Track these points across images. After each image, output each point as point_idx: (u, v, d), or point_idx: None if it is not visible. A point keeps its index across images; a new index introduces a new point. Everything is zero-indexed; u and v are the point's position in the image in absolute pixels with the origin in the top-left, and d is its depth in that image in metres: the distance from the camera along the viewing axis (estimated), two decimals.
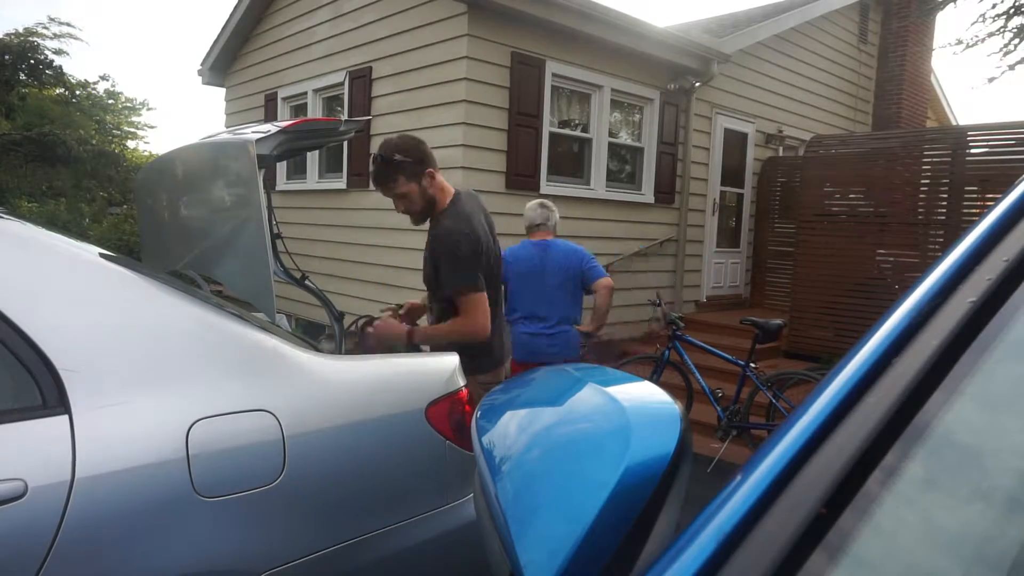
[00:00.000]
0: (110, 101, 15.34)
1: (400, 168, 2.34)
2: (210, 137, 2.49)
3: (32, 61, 10.59)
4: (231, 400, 1.50)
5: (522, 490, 0.61)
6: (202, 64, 8.98)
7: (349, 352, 2.52)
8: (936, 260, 0.54)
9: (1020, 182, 0.57)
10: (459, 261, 2.31)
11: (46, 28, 10.99)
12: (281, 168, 7.81)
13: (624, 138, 6.79)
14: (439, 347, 2.34)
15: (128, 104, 15.93)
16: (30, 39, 10.57)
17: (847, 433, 0.44)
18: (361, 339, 2.64)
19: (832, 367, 0.51)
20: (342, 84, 6.68)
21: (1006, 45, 6.83)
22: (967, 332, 0.47)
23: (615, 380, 0.75)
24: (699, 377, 4.69)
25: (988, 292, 0.48)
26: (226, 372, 1.55)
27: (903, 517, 0.40)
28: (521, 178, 5.75)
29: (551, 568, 0.53)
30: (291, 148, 2.29)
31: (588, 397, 0.70)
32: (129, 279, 1.56)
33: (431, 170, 2.39)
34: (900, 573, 0.38)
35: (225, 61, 8.80)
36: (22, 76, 10.96)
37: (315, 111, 7.21)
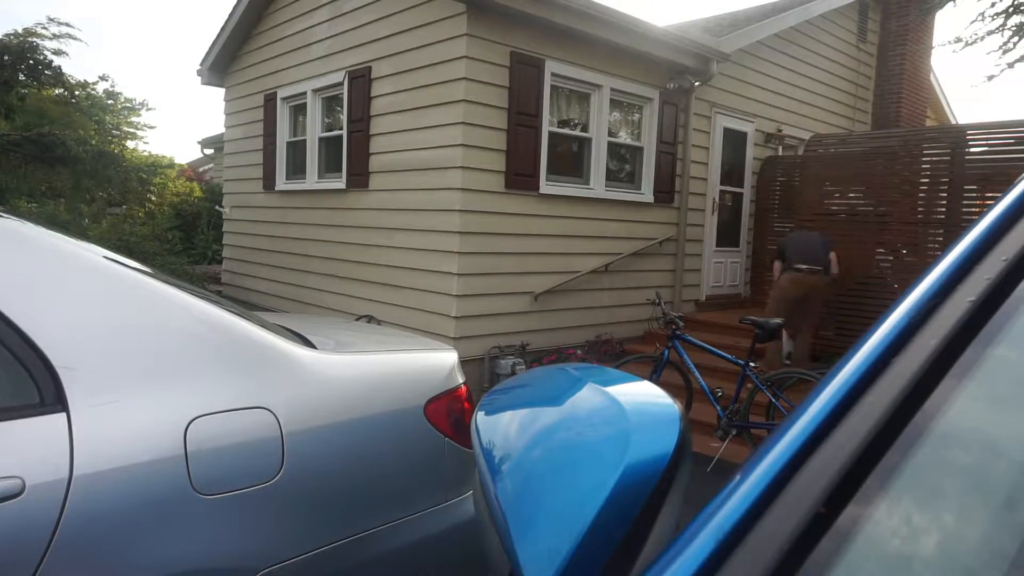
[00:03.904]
0: (109, 101, 15.32)
1: None
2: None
3: (31, 61, 10.58)
4: (229, 397, 1.50)
5: (522, 489, 0.61)
6: (201, 64, 8.98)
7: None
8: (935, 259, 0.54)
9: (1019, 181, 0.57)
10: None
11: (45, 28, 10.97)
12: (281, 168, 7.81)
13: (623, 137, 6.79)
14: None
15: (127, 104, 15.91)
16: (29, 39, 10.55)
17: (846, 432, 0.44)
18: None
19: (832, 366, 0.51)
20: (341, 84, 6.68)
21: (1005, 43, 6.84)
22: (966, 331, 0.47)
23: (615, 380, 0.75)
24: (699, 376, 4.68)
25: (987, 291, 0.48)
26: (224, 369, 1.55)
27: (902, 516, 0.40)
28: (520, 178, 5.75)
29: (551, 567, 0.53)
30: None
31: (588, 397, 0.70)
32: (128, 277, 1.55)
33: None
34: (899, 572, 0.38)
35: (224, 61, 8.79)
36: (21, 76, 10.96)
37: (314, 111, 7.21)
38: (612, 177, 6.61)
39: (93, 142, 11.09)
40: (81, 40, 12.37)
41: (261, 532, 1.50)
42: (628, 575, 0.55)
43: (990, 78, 7.12)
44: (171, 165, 15.74)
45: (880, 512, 0.40)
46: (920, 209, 5.78)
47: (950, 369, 0.45)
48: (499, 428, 0.72)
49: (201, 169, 18.00)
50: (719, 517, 0.43)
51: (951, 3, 7.31)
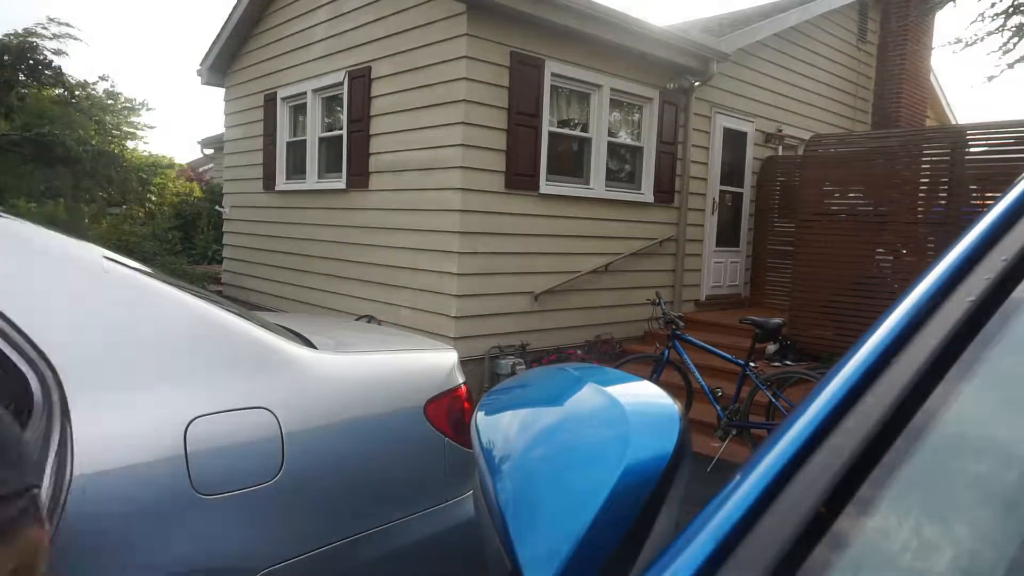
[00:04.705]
0: (109, 101, 15.30)
1: None
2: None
3: (31, 61, 10.58)
4: (229, 398, 1.50)
5: (522, 489, 0.61)
6: (201, 64, 8.98)
7: None
8: (935, 259, 0.54)
9: (1019, 181, 0.57)
10: None
11: (45, 28, 10.98)
12: (281, 168, 7.81)
13: (623, 137, 6.79)
14: None
15: (127, 104, 15.89)
16: (29, 39, 10.55)
17: (846, 432, 0.44)
18: None
19: (832, 366, 0.51)
20: (341, 84, 6.68)
21: (1005, 43, 6.83)
22: (966, 331, 0.47)
23: (615, 380, 0.75)
24: (699, 376, 4.69)
25: (987, 291, 0.48)
26: (225, 370, 1.55)
27: (902, 516, 0.40)
28: (521, 178, 5.75)
29: (550, 567, 0.53)
30: None
31: (588, 397, 0.70)
32: (128, 278, 1.55)
33: None
34: (899, 572, 0.38)
35: (224, 61, 8.79)
36: (21, 76, 10.96)
37: (315, 111, 7.21)
38: (612, 177, 6.61)
39: (93, 142, 11.08)
40: (81, 40, 12.35)
41: (261, 532, 1.50)
42: (628, 575, 0.55)
43: (990, 78, 7.13)
44: (171, 165, 15.74)
45: (880, 512, 0.40)
46: (920, 209, 5.78)
47: (950, 369, 0.45)
48: (499, 428, 0.72)
49: (201, 169, 18.00)
50: (719, 517, 0.43)
51: (951, 3, 7.30)
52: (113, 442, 1.32)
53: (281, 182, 7.81)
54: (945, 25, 37.89)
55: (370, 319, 6.24)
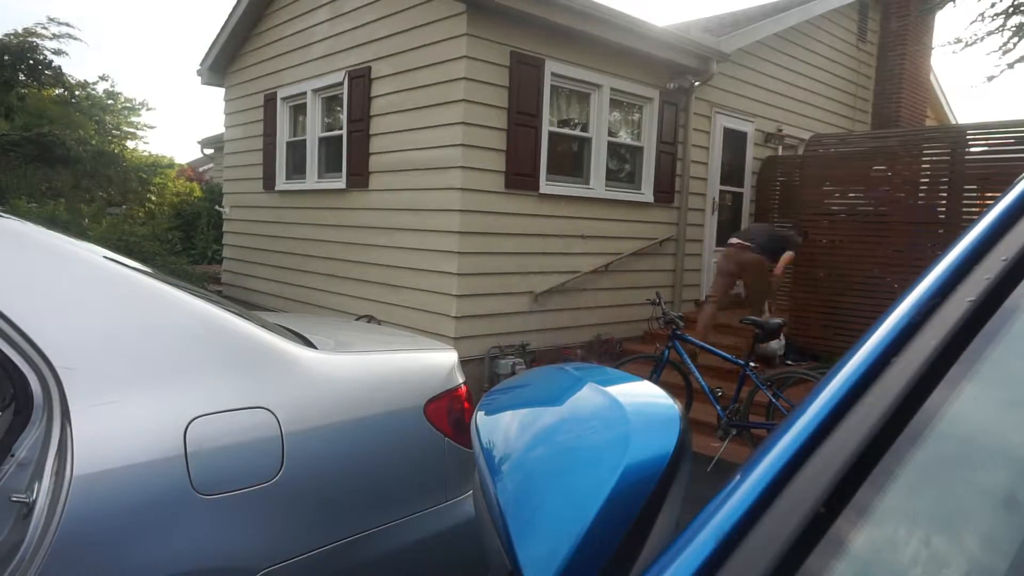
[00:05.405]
0: (109, 101, 15.29)
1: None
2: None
3: (31, 61, 10.58)
4: (229, 397, 1.50)
5: (522, 489, 0.61)
6: (201, 64, 8.97)
7: None
8: (935, 259, 0.54)
9: (1019, 181, 0.57)
10: None
11: (45, 28, 10.98)
12: (281, 167, 7.81)
13: (623, 137, 6.79)
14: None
15: (127, 104, 15.87)
16: (29, 39, 10.55)
17: (846, 432, 0.44)
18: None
19: (831, 366, 0.51)
20: (341, 84, 6.67)
21: (1005, 43, 6.83)
22: (966, 331, 0.47)
23: (615, 380, 0.75)
24: (699, 376, 4.68)
25: (987, 291, 0.48)
26: (224, 369, 1.55)
27: (902, 516, 0.40)
28: (520, 177, 5.75)
29: (550, 567, 0.53)
30: None
31: (588, 397, 0.70)
32: (128, 278, 1.55)
33: None
34: (899, 572, 0.38)
35: (224, 61, 8.79)
36: (21, 76, 10.96)
37: (314, 111, 7.20)
38: (612, 177, 6.61)
39: (93, 142, 11.07)
40: (81, 40, 12.41)
41: (261, 532, 1.50)
42: (628, 575, 0.55)
43: (990, 78, 7.12)
44: (171, 165, 15.74)
45: (880, 512, 0.40)
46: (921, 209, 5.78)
47: (950, 369, 0.45)
48: (499, 428, 0.72)
49: (201, 169, 18.01)
50: (719, 517, 0.43)
51: (951, 3, 7.30)
52: (113, 442, 1.32)
53: (281, 182, 7.81)
54: (945, 25, 37.88)
55: (370, 319, 6.23)
